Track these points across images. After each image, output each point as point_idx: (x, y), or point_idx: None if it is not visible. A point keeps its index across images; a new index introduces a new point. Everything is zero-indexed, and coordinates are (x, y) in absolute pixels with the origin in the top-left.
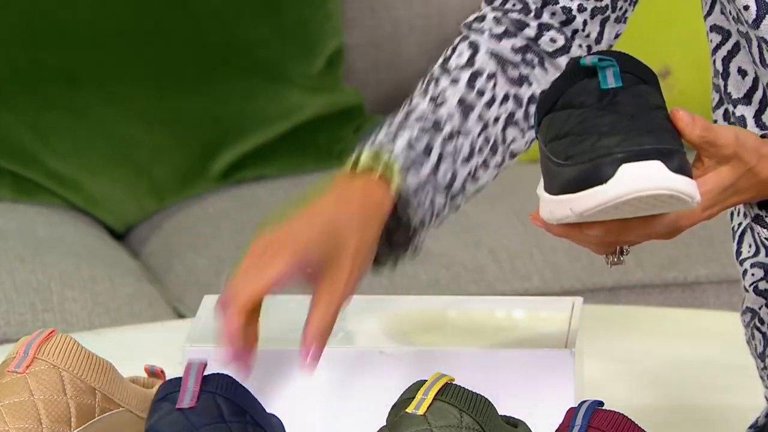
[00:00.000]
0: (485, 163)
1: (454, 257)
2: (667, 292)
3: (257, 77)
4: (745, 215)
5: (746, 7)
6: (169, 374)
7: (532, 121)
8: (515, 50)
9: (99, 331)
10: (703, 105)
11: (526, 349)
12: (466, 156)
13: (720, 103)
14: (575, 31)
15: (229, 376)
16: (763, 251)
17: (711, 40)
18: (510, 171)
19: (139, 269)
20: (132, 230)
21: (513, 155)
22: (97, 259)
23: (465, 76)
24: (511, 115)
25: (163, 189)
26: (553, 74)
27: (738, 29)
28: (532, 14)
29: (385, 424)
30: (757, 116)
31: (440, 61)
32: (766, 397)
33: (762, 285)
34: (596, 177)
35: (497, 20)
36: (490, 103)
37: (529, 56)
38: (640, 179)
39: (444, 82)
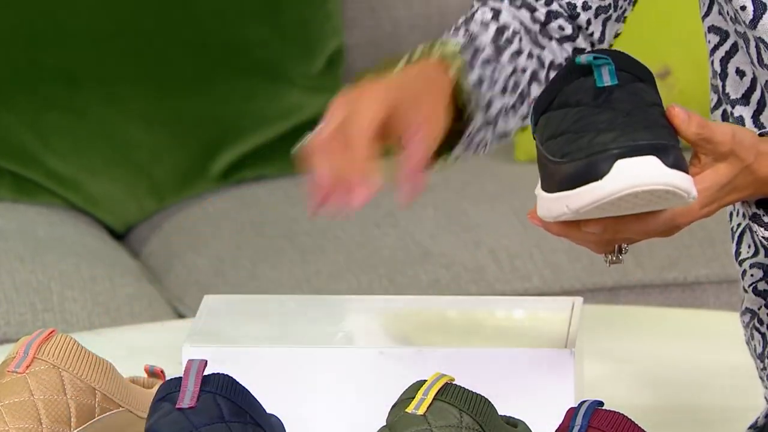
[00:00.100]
0: (514, 107)
1: (454, 257)
2: (667, 292)
3: (257, 77)
4: (744, 216)
5: (743, 8)
6: (169, 374)
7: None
8: (533, 21)
9: (99, 331)
10: (703, 105)
11: (526, 349)
12: (500, 89)
13: (719, 103)
14: (579, 28)
15: (229, 376)
16: (762, 252)
17: (709, 41)
18: (510, 171)
19: (139, 269)
20: (132, 230)
21: None
22: (97, 259)
23: (493, 26)
24: (535, 72)
25: (163, 189)
26: (566, 54)
27: (736, 29)
28: (543, 1)
29: (385, 424)
30: (755, 116)
31: (461, 19)
32: (765, 398)
33: (761, 285)
34: (592, 173)
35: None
36: (518, 53)
37: (546, 30)
38: (636, 175)
39: (474, 26)
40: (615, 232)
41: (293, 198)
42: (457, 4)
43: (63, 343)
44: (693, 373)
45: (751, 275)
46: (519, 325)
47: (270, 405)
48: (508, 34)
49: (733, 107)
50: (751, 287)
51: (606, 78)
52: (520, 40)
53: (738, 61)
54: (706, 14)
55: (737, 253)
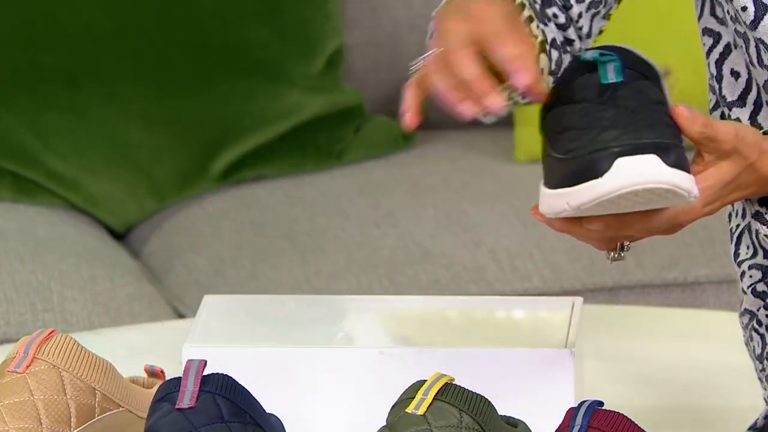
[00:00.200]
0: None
1: (454, 257)
2: (667, 292)
3: (257, 77)
4: (743, 217)
5: (744, 8)
6: (169, 374)
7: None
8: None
9: (99, 331)
10: (703, 105)
11: (526, 348)
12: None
13: (717, 105)
14: (571, 19)
15: (229, 376)
16: (761, 253)
17: (704, 44)
18: (510, 171)
19: (139, 269)
20: (132, 230)
21: None
22: (97, 259)
23: None
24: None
25: (163, 189)
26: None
27: (735, 29)
28: None
29: (385, 424)
30: (753, 117)
31: None
32: (765, 399)
33: (760, 287)
34: (592, 171)
35: None
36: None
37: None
38: (636, 173)
39: None
40: (617, 229)
41: (293, 198)
42: None
43: (63, 343)
44: (693, 373)
45: (750, 276)
46: (519, 325)
47: (270, 405)
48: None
49: (730, 110)
50: (750, 288)
51: (611, 75)
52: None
53: (732, 62)
54: (700, 16)
55: (736, 254)
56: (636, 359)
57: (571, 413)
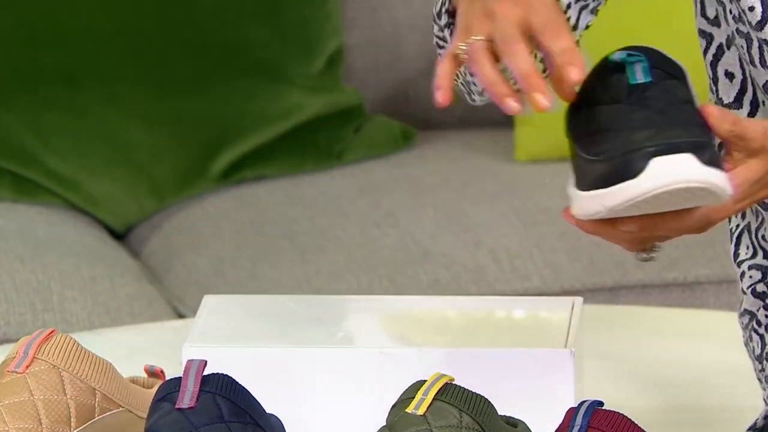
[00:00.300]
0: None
1: (454, 257)
2: (667, 292)
3: (257, 77)
4: (742, 217)
5: (751, 8)
6: (169, 374)
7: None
8: None
9: (99, 331)
10: None
11: (526, 348)
12: None
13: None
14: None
15: (229, 376)
16: (760, 253)
17: (700, 45)
18: (510, 171)
19: (139, 269)
20: (132, 230)
21: None
22: (97, 259)
23: None
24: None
25: (163, 189)
26: None
27: (737, 29)
28: None
29: (385, 424)
30: (750, 118)
31: None
32: (764, 399)
33: (760, 287)
34: (627, 171)
35: None
36: None
37: None
38: (671, 173)
39: None
40: (650, 229)
41: (293, 198)
42: None
43: (63, 343)
44: (693, 373)
45: (750, 277)
46: (519, 325)
47: (270, 405)
48: None
49: None
50: (749, 289)
51: (639, 75)
52: None
53: (726, 63)
54: (696, 17)
55: (736, 254)
56: (636, 359)
57: (571, 413)
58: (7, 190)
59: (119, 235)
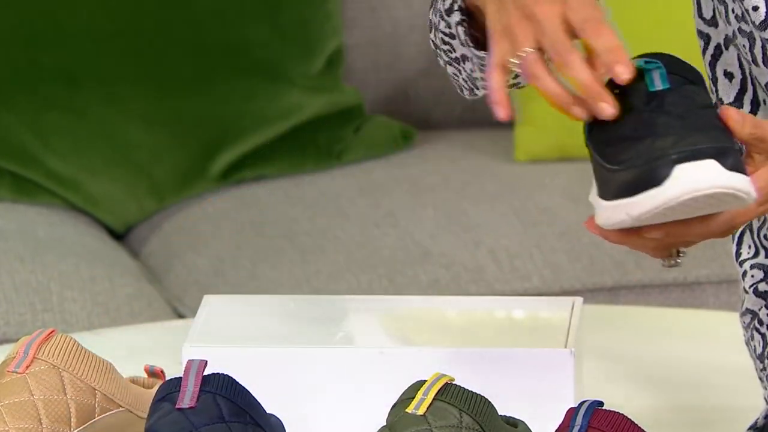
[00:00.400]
0: None
1: (454, 257)
2: (667, 292)
3: (257, 77)
4: None
5: (755, 8)
6: (169, 374)
7: None
8: None
9: (99, 331)
10: None
11: (525, 348)
12: None
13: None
14: None
15: (229, 376)
16: (762, 252)
17: (700, 45)
18: (510, 171)
19: (139, 269)
20: (132, 230)
21: None
22: (97, 259)
23: None
24: None
25: (163, 189)
26: None
27: (740, 28)
28: None
29: (385, 424)
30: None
31: None
32: (765, 399)
33: (762, 286)
34: (652, 179)
35: None
36: None
37: None
38: (696, 179)
39: None
40: (676, 236)
41: (293, 198)
42: None
43: (63, 343)
44: (693, 373)
45: (752, 276)
46: (519, 325)
47: (270, 405)
48: None
49: None
50: (751, 288)
51: (657, 82)
52: None
53: (724, 63)
54: (694, 17)
55: (737, 254)
56: (636, 359)
57: (571, 413)
58: (7, 190)
59: (119, 235)
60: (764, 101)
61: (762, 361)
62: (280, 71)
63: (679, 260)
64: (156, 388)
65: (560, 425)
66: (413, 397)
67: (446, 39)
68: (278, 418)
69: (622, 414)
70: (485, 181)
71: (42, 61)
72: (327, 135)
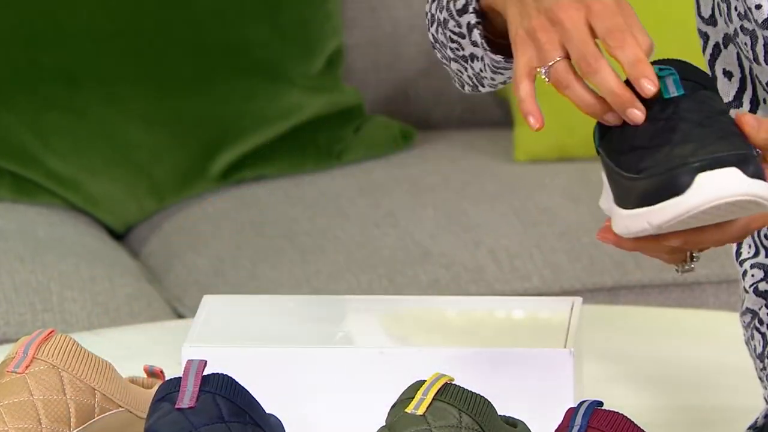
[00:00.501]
0: None
1: (454, 257)
2: (666, 292)
3: (257, 77)
4: None
5: (758, 6)
6: (169, 374)
7: None
8: None
9: (98, 331)
10: None
11: (525, 348)
12: None
13: None
14: None
15: (229, 376)
16: (762, 252)
17: (701, 44)
18: (510, 171)
19: (139, 269)
20: (132, 230)
21: None
22: (97, 259)
23: None
24: None
25: (163, 189)
26: None
27: (742, 26)
28: None
29: (384, 424)
30: None
31: None
32: (765, 398)
33: (762, 286)
34: (673, 188)
35: None
36: None
37: None
38: (718, 187)
39: None
40: (695, 243)
41: (293, 198)
42: None
43: (62, 344)
44: (693, 373)
45: (752, 275)
46: (519, 325)
47: (270, 405)
48: None
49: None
50: (751, 288)
51: (672, 89)
52: None
53: (723, 62)
54: (695, 16)
55: (738, 253)
56: (636, 359)
57: (571, 413)
58: (7, 190)
59: (119, 235)
60: (764, 100)
61: (762, 361)
62: (280, 71)
63: (693, 265)
64: (155, 388)
65: (560, 425)
66: (413, 397)
67: (454, 37)
68: (278, 418)
69: (622, 414)
70: (485, 181)
71: (42, 61)
72: (327, 135)
